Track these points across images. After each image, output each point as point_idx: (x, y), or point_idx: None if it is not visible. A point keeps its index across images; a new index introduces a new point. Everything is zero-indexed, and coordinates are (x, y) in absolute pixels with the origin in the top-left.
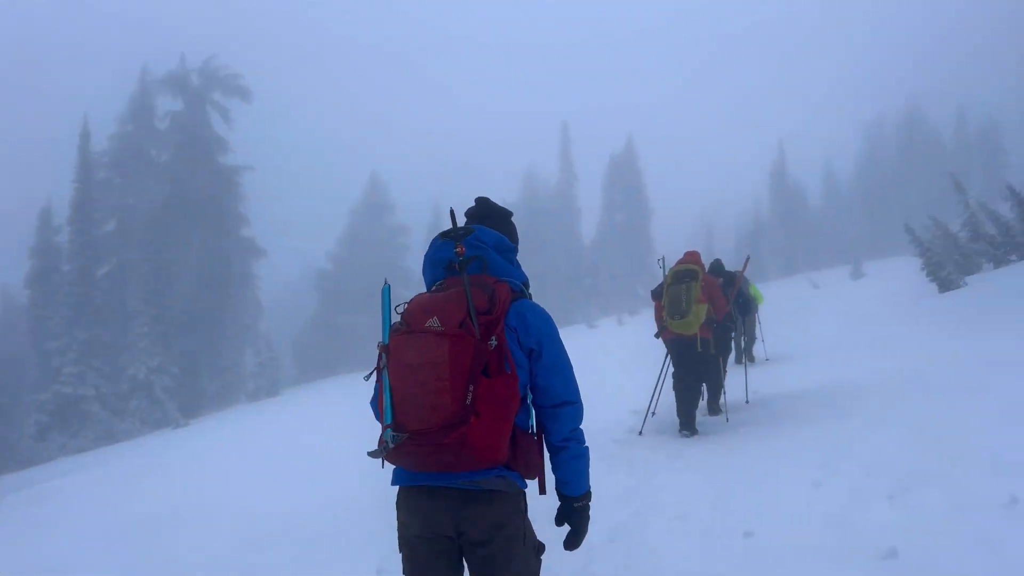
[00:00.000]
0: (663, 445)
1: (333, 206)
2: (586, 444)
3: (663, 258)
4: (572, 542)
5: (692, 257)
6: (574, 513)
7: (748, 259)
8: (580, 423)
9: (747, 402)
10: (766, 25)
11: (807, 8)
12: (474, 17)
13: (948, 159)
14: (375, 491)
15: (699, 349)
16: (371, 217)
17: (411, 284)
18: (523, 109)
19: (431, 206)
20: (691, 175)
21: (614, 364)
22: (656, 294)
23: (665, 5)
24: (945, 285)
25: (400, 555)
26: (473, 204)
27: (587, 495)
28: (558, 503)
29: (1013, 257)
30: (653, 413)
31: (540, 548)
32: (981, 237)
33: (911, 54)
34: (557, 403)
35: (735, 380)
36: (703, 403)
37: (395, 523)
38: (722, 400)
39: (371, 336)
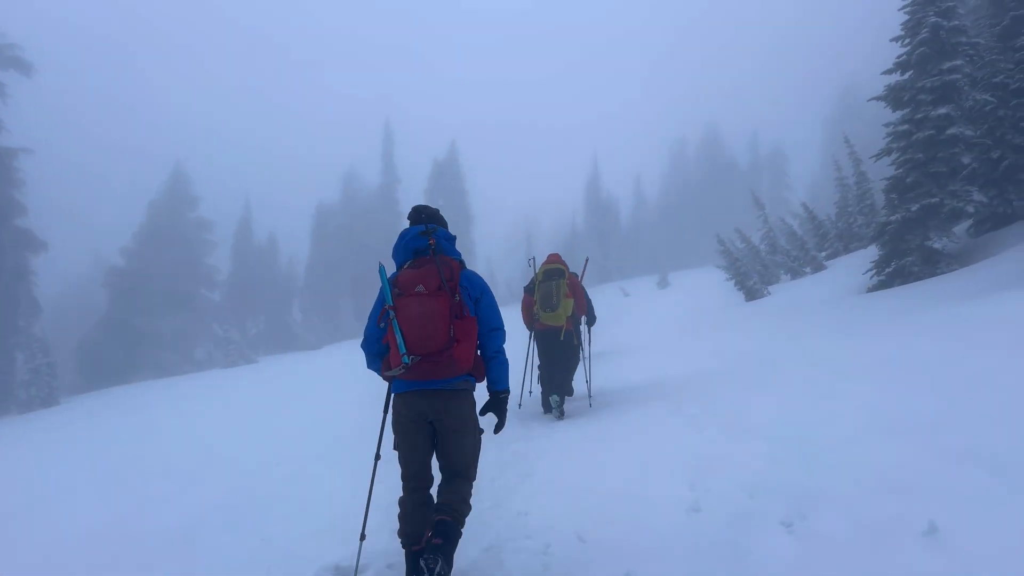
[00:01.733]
0: (514, 462)
1: (131, 198)
2: (507, 357)
3: (533, 259)
4: (498, 426)
5: (556, 258)
6: (499, 403)
7: (587, 260)
8: (504, 342)
9: (590, 406)
10: (588, 46)
11: (624, 35)
12: (297, 8)
13: (742, 179)
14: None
15: (562, 338)
16: (173, 211)
17: (215, 284)
18: (346, 108)
19: (241, 201)
20: (512, 184)
21: None
22: (529, 289)
23: (495, 18)
24: (751, 294)
25: (395, 435)
26: (412, 211)
27: (507, 391)
28: (488, 398)
29: (807, 269)
30: (531, 392)
31: (481, 430)
32: (779, 250)
33: (711, 81)
34: (492, 328)
35: (576, 379)
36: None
37: None
38: (565, 401)
39: (173, 340)
